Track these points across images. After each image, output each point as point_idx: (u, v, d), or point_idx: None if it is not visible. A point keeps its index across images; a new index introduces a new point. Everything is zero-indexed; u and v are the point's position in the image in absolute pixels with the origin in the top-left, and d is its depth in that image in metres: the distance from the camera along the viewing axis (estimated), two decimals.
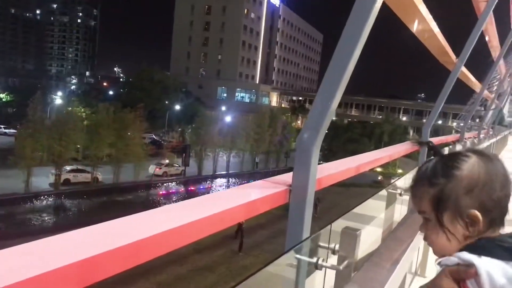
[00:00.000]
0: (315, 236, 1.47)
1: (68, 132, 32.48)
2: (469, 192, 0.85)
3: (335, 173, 1.98)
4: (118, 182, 35.29)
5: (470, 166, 0.87)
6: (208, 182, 42.82)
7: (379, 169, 45.03)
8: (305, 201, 1.72)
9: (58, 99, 57.65)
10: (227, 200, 1.61)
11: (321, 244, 1.46)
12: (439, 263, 0.88)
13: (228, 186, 42.34)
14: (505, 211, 0.87)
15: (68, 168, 33.51)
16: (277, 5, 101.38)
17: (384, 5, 1.82)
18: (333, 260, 1.42)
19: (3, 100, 67.19)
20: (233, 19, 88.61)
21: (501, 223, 0.87)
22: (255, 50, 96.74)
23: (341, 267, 1.33)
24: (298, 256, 1.36)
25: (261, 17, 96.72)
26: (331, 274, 1.44)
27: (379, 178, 46.59)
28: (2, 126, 50.86)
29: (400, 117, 76.97)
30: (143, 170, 37.61)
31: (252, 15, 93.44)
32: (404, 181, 2.66)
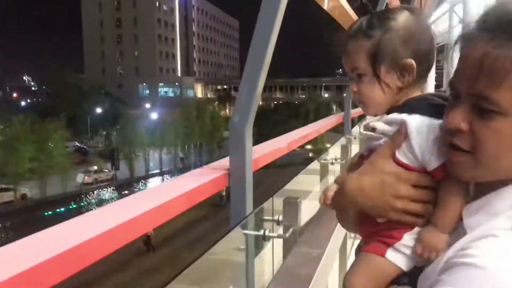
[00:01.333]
0: (259, 211, 1.54)
1: None
2: (405, 42, 0.88)
3: (269, 152, 2.06)
4: (46, 196, 33.34)
5: (404, 17, 0.90)
6: (141, 183, 41.74)
7: (309, 147, 46.45)
8: (245, 182, 1.78)
9: None
10: (168, 192, 1.62)
11: (266, 217, 1.53)
12: (365, 126, 0.90)
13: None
14: (431, 64, 0.91)
15: None
16: None
17: None
18: (279, 231, 1.50)
19: None
20: (145, 13, 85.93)
21: (426, 77, 0.91)
22: (172, 43, 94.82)
23: (287, 235, 1.41)
24: (245, 231, 1.42)
25: (174, 8, 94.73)
26: (279, 245, 1.51)
27: (310, 155, 48.18)
28: None
29: (322, 94, 79.73)
30: (71, 180, 35.78)
31: (165, 7, 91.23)
32: (333, 151, 2.81)
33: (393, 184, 0.80)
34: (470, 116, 0.68)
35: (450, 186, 0.77)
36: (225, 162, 1.88)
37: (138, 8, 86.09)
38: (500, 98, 0.64)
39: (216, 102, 67.17)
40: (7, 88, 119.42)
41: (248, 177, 1.77)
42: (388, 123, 0.84)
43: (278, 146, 2.18)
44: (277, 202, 1.60)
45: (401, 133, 0.80)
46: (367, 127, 0.89)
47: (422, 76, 0.90)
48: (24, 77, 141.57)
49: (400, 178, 0.80)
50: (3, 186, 32.44)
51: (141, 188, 39.44)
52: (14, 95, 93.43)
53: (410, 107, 0.84)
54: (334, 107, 71.96)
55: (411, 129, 0.79)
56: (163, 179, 43.32)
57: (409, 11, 0.91)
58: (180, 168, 45.95)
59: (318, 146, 50.11)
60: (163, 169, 45.51)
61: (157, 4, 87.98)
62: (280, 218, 1.50)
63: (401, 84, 0.88)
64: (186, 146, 48.56)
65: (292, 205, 1.49)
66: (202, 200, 1.69)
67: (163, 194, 1.61)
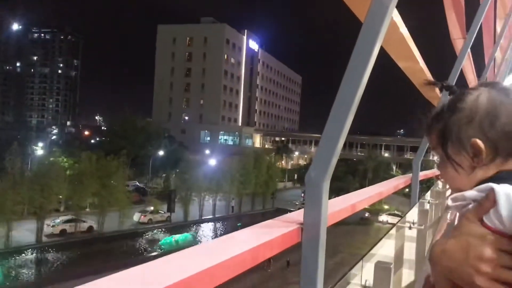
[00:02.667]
0: (348, 274, 1.43)
1: (50, 183, 31.85)
2: (470, 121, 0.85)
3: (344, 208, 1.96)
4: (110, 231, 34.77)
5: (474, 96, 0.87)
6: (194, 226, 42.07)
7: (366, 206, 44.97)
8: (319, 238, 1.68)
9: (39, 149, 56.86)
10: (237, 245, 1.55)
11: (353, 281, 1.41)
12: (453, 199, 0.85)
13: (215, 230, 41.62)
14: None
15: (64, 218, 33.50)
16: (256, 50, 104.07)
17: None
18: None
19: None
20: (213, 65, 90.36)
21: None
22: (236, 94, 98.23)
23: None
24: None
25: (241, 62, 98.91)
26: None
27: (366, 214, 46.51)
28: None
29: (382, 153, 78.00)
30: (128, 218, 36.83)
31: (232, 60, 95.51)
32: (411, 214, 2.64)
33: (478, 245, 0.73)
34: None
35: None
36: (297, 215, 1.80)
37: (208, 60, 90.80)
38: None
39: (273, 153, 67.68)
40: (80, 126, 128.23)
41: (322, 233, 1.68)
42: (477, 190, 0.80)
43: (351, 203, 2.08)
44: (358, 266, 1.48)
45: (489, 199, 0.75)
46: (456, 198, 0.84)
47: (507, 154, 0.84)
48: (96, 117, 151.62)
49: (486, 239, 0.74)
50: (73, 217, 34.25)
51: (192, 233, 39.74)
52: (86, 133, 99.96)
53: (499, 177, 0.81)
54: (394, 167, 69.90)
55: (499, 195, 0.74)
56: (215, 225, 43.39)
57: (487, 86, 0.89)
58: (238, 215, 46.06)
59: (375, 206, 48.41)
60: (216, 215, 45.69)
61: (225, 57, 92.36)
62: (368, 283, 1.38)
63: (475, 164, 0.85)
64: (240, 194, 48.67)
65: (384, 271, 1.36)
66: (274, 254, 1.60)
67: (232, 247, 1.55)
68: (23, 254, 29.44)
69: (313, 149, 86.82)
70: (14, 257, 28.58)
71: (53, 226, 32.60)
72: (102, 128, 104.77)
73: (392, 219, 41.87)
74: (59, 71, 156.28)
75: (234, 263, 1.41)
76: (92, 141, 76.78)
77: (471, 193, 0.81)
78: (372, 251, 1.81)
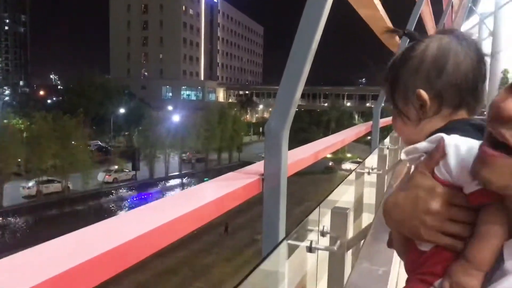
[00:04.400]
0: (305, 221, 1.46)
1: (7, 146, 30.70)
2: (417, 70, 0.83)
3: (304, 158, 1.99)
4: (75, 192, 34.45)
5: (424, 45, 0.85)
6: (161, 184, 42.12)
7: (328, 155, 46.13)
8: (279, 188, 1.71)
9: None
10: (199, 197, 1.56)
11: (310, 227, 1.45)
12: (406, 152, 0.83)
13: (182, 186, 41.83)
14: (469, 93, 0.82)
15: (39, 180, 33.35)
16: (215, 0, 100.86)
17: None
18: (324, 242, 1.41)
19: None
20: (171, 17, 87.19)
21: (463, 106, 0.83)
22: (197, 47, 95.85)
23: (335, 248, 1.32)
24: (290, 241, 1.35)
25: (200, 12, 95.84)
26: (324, 256, 1.43)
27: (330, 163, 47.79)
28: None
29: (345, 103, 79.24)
30: (91, 178, 36.33)
31: (191, 11, 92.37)
32: (370, 160, 2.72)
33: (426, 198, 0.72)
34: None
35: (489, 213, 0.67)
36: (258, 167, 1.82)
37: (165, 11, 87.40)
38: None
39: (238, 107, 67.45)
40: (34, 86, 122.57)
41: (282, 182, 1.70)
42: (429, 142, 0.79)
43: (312, 152, 2.11)
44: (315, 212, 1.52)
45: (438, 150, 0.73)
46: (408, 151, 0.83)
47: (455, 105, 0.82)
48: (51, 76, 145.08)
49: (434, 192, 0.72)
50: (49, 178, 34.29)
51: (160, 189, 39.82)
52: (41, 93, 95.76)
53: (450, 127, 0.79)
54: (356, 117, 71.37)
55: (448, 147, 0.73)
56: (182, 182, 43.57)
57: (444, 34, 0.85)
58: (206, 170, 46.21)
59: (338, 155, 49.73)
60: (183, 172, 45.79)
61: (184, 8, 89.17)
62: (326, 229, 1.42)
63: (422, 115, 0.84)
64: (206, 149, 48.75)
65: (340, 216, 1.40)
66: (236, 205, 1.62)
67: (194, 199, 1.56)
68: None
69: None
70: None
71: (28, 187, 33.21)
72: (59, 87, 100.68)
73: (355, 167, 43.28)
74: (6, 27, 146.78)
75: (198, 214, 1.42)
76: (49, 101, 73.82)
77: (423, 144, 0.79)
78: (333, 198, 1.86)
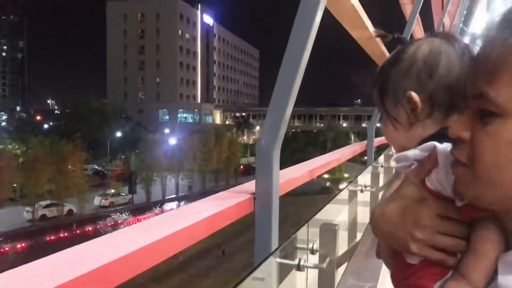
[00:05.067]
0: (292, 238, 1.45)
1: (2, 171, 30.57)
2: (408, 72, 0.81)
3: (296, 177, 1.99)
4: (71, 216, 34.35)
5: (415, 47, 0.82)
6: (157, 207, 41.77)
7: (326, 176, 46.06)
8: (271, 207, 1.70)
9: None
10: (191, 215, 1.55)
11: (299, 246, 1.43)
12: (396, 160, 0.78)
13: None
14: (459, 96, 0.78)
15: (43, 203, 33.57)
16: (211, 24, 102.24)
17: (325, 12, 1.86)
18: (313, 260, 1.39)
19: None
20: (168, 41, 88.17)
21: (459, 113, 0.74)
22: (193, 70, 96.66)
23: (324, 265, 1.30)
24: (278, 259, 1.33)
25: (196, 37, 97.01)
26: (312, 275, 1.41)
27: (327, 184, 47.64)
28: None
29: (341, 123, 79.66)
30: (87, 202, 36.09)
31: (187, 35, 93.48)
32: (363, 178, 2.72)
33: (415, 210, 0.68)
34: (472, 122, 0.56)
35: (483, 228, 0.63)
36: (249, 186, 1.81)
37: (161, 36, 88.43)
38: (497, 95, 0.51)
39: (234, 129, 67.63)
40: (31, 111, 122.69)
41: (274, 201, 1.69)
42: (420, 150, 0.74)
43: (305, 171, 2.10)
44: (304, 230, 1.51)
45: (430, 159, 0.69)
46: (399, 158, 0.78)
47: (447, 109, 0.79)
48: (48, 101, 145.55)
49: (424, 204, 0.68)
50: (50, 202, 34.43)
51: (156, 212, 39.44)
52: (38, 117, 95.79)
53: (442, 134, 0.73)
54: (353, 137, 71.60)
55: (440, 156, 0.68)
56: (178, 204, 43.26)
57: (434, 37, 0.83)
58: (203, 192, 45.85)
59: (335, 175, 49.66)
60: (180, 194, 45.52)
61: (180, 33, 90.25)
62: (315, 246, 1.40)
63: (413, 119, 0.80)
64: (203, 171, 48.53)
65: (329, 233, 1.39)
66: (226, 224, 1.61)
67: (184, 218, 1.55)
68: None
69: None
70: None
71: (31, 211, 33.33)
72: (55, 112, 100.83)
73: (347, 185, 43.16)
74: (3, 54, 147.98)
75: (189, 233, 1.41)
76: (46, 125, 73.77)
77: (414, 152, 0.75)
78: (325, 216, 1.85)
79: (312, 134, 67.49)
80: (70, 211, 35.28)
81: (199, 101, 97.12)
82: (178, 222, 1.45)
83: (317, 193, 42.90)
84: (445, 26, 10.65)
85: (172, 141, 50.80)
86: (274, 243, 1.73)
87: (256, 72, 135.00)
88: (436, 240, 0.67)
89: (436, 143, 0.70)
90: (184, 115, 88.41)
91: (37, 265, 0.90)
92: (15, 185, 33.54)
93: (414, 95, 0.79)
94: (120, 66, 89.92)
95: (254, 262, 1.77)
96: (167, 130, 64.10)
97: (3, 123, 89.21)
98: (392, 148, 0.93)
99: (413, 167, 0.74)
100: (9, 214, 31.13)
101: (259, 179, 1.73)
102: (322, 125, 75.78)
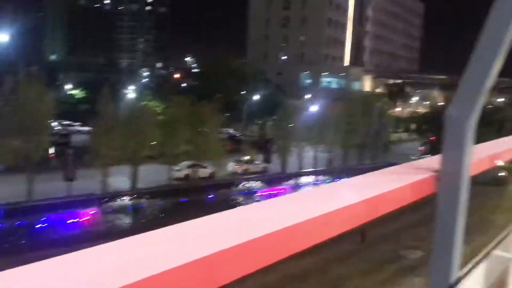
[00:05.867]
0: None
1: (144, 128, 34.27)
2: None
3: (494, 154, 1.84)
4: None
5: None
6: (292, 180, 42.91)
7: (500, 163, 41.87)
8: (459, 189, 1.61)
9: (130, 93, 60.99)
10: (361, 189, 1.55)
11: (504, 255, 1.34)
12: None
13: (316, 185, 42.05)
14: None
15: (187, 163, 38.03)
16: None
17: None
18: None
19: (76, 97, 72.57)
20: None
21: None
22: (342, 28, 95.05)
23: None
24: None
25: None
26: None
27: (503, 173, 43.32)
28: (76, 123, 54.76)
29: None
30: (221, 167, 38.77)
31: None
32: None
33: None
34: None
35: None
36: (433, 162, 1.74)
37: None
38: None
39: (386, 98, 65.33)
40: (170, 68, 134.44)
41: (464, 183, 1.60)
42: None
43: (505, 148, 1.92)
44: None
45: None
46: None
47: None
48: (186, 58, 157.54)
49: None
50: (196, 162, 38.72)
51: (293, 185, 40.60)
52: (176, 76, 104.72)
53: None
54: None
55: None
56: (316, 179, 43.79)
57: None
58: (344, 168, 45.86)
59: None
60: (318, 169, 45.93)
61: None
62: None
63: None
64: (346, 145, 48.10)
65: None
66: (402, 205, 1.58)
67: (357, 189, 1.56)
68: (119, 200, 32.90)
69: (437, 94, 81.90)
70: (112, 202, 32.05)
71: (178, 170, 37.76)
72: (193, 70, 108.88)
73: None
74: (149, 7, 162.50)
75: (368, 206, 1.41)
76: (184, 84, 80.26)
77: None
78: None
79: (487, 110, 61.54)
80: (213, 173, 38.85)
81: (346, 64, 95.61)
82: (341, 198, 1.47)
83: (487, 184, 39.46)
84: None
85: (314, 108, 51.24)
86: (459, 239, 1.65)
87: (417, 31, 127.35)
88: None
89: None
90: (328, 79, 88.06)
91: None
92: (154, 143, 37.36)
93: None
94: (262, 22, 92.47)
95: (432, 250, 1.71)
96: (308, 96, 64.83)
97: (145, 80, 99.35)
98: None
99: None
100: (150, 172, 34.92)
101: (446, 154, 1.65)
102: (503, 99, 68.72)
